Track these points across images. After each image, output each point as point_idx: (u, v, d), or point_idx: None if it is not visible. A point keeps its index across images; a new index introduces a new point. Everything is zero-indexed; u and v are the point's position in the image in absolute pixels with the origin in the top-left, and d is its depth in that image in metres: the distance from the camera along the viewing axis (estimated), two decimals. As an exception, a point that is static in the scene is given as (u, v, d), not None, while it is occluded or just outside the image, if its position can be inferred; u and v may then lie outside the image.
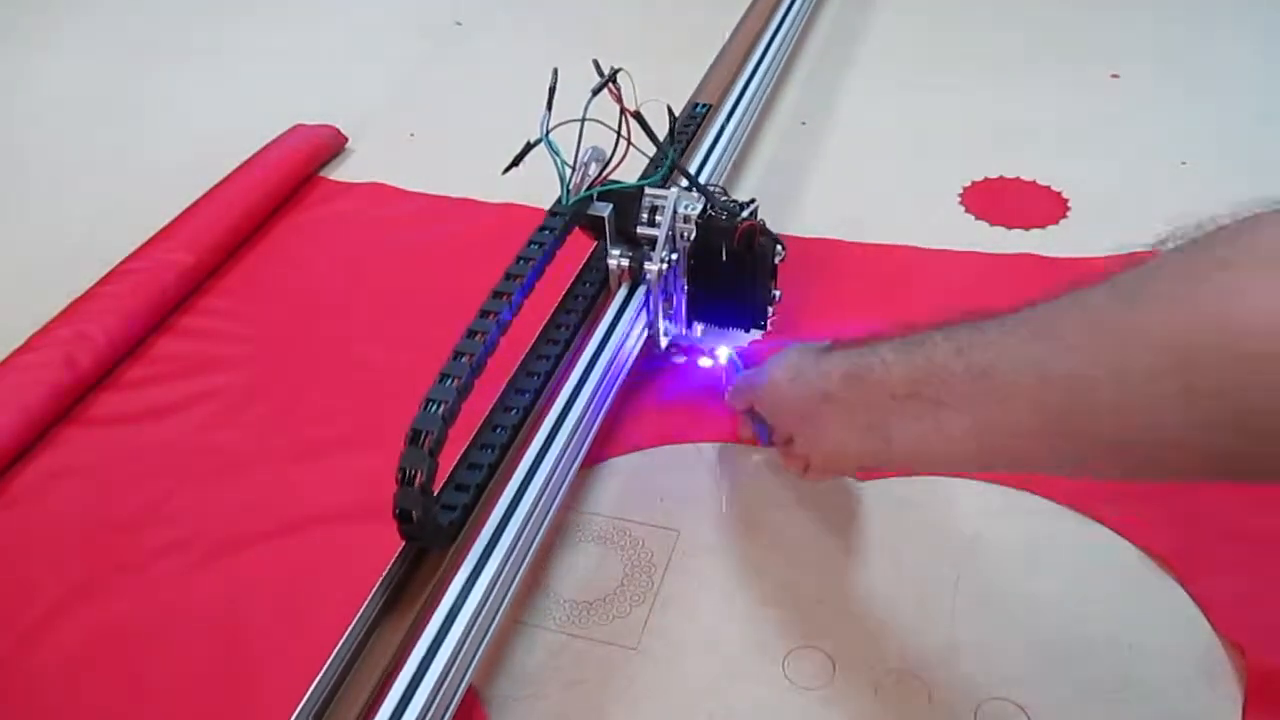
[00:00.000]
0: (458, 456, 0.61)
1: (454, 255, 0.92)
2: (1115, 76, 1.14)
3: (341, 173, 1.06)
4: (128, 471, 0.72)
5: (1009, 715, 0.54)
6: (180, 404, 0.78)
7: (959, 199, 0.95)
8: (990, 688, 0.56)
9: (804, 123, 1.08)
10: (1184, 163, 0.99)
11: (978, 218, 0.93)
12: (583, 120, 0.64)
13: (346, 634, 0.51)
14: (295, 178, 1.02)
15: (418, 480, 0.51)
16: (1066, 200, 0.94)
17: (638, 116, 0.66)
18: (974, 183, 0.97)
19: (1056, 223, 0.92)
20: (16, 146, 1.16)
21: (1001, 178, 0.98)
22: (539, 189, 0.99)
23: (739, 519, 0.66)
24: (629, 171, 0.70)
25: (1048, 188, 0.96)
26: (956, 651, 0.57)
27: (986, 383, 0.45)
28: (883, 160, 1.02)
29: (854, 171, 1.01)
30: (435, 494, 0.54)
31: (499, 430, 0.62)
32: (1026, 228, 0.91)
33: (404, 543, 0.55)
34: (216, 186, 0.98)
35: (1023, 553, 0.63)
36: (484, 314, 0.58)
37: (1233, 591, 0.59)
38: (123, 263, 0.88)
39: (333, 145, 1.08)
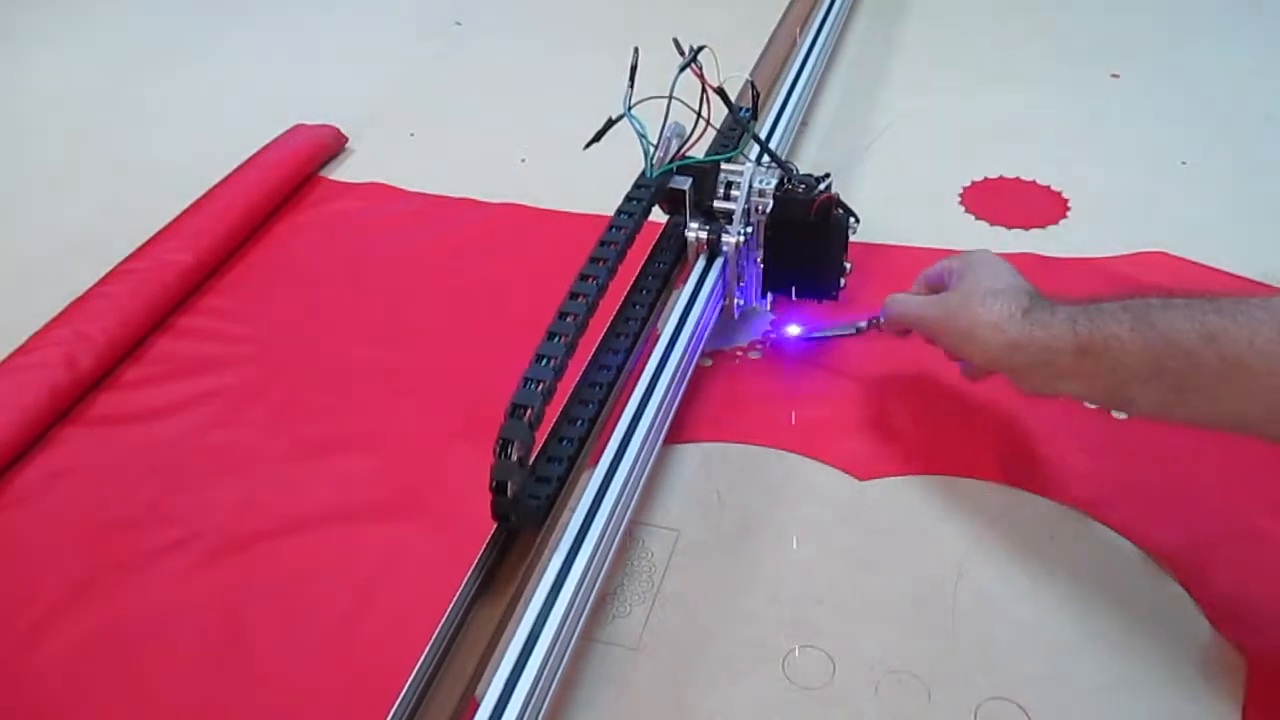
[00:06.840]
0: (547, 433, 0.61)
1: (454, 255, 0.92)
2: (1115, 76, 1.14)
3: (341, 173, 1.06)
4: (128, 471, 0.72)
5: (1009, 715, 0.54)
6: (180, 404, 0.78)
7: (959, 199, 0.95)
8: (990, 688, 0.56)
9: (804, 123, 1.08)
10: (1184, 163, 0.99)
11: (978, 218, 0.93)
12: (670, 98, 0.66)
13: (444, 618, 0.51)
14: (295, 178, 1.02)
15: (514, 452, 0.50)
16: (1066, 200, 0.94)
17: (721, 93, 0.68)
18: (974, 183, 0.97)
19: (1056, 223, 0.92)
20: (16, 146, 1.16)
21: (1001, 178, 0.98)
22: (538, 189, 1.00)
23: (739, 519, 0.66)
24: (697, 149, 0.71)
25: (1048, 188, 0.96)
26: (956, 651, 0.57)
27: (1238, 375, 0.46)
28: (883, 160, 1.02)
29: (854, 171, 1.01)
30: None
31: (587, 405, 0.63)
32: (1026, 228, 0.91)
33: (495, 525, 0.54)
34: (216, 186, 0.98)
35: (1023, 553, 0.63)
36: (584, 277, 0.59)
37: (1233, 591, 0.59)
38: (123, 263, 0.89)
39: (333, 145, 1.08)
